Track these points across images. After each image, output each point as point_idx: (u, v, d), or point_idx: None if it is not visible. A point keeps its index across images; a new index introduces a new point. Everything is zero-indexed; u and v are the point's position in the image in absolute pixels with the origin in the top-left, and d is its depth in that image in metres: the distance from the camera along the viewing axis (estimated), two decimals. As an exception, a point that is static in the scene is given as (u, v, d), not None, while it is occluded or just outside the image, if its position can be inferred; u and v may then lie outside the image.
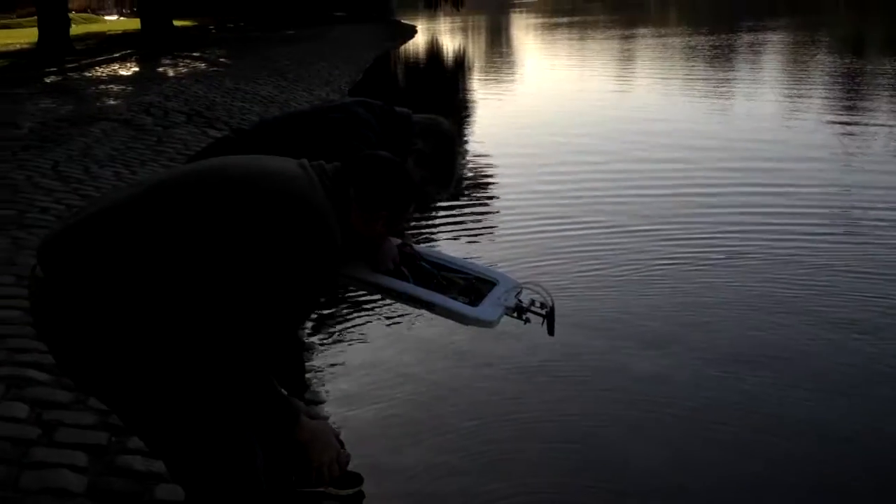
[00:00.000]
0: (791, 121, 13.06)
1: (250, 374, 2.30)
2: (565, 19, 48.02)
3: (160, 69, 18.48)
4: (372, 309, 5.82)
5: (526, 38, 39.63)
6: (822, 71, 18.06)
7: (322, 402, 4.55)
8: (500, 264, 5.82)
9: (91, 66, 18.93)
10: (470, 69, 26.25)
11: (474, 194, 9.36)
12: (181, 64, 19.53)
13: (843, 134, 11.80)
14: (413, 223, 7.45)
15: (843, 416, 4.32)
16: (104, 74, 17.42)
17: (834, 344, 5.15)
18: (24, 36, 29.79)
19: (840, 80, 16.51)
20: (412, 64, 29.58)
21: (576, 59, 26.53)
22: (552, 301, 3.16)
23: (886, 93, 15.50)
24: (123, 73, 17.93)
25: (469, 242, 7.44)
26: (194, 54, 21.72)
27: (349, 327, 5.62)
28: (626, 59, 24.96)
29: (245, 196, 2.34)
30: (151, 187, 2.41)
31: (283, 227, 2.30)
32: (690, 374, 4.83)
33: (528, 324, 3.18)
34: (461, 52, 33.81)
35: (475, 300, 3.17)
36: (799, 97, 14.93)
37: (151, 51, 22.73)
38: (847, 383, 4.66)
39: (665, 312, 5.69)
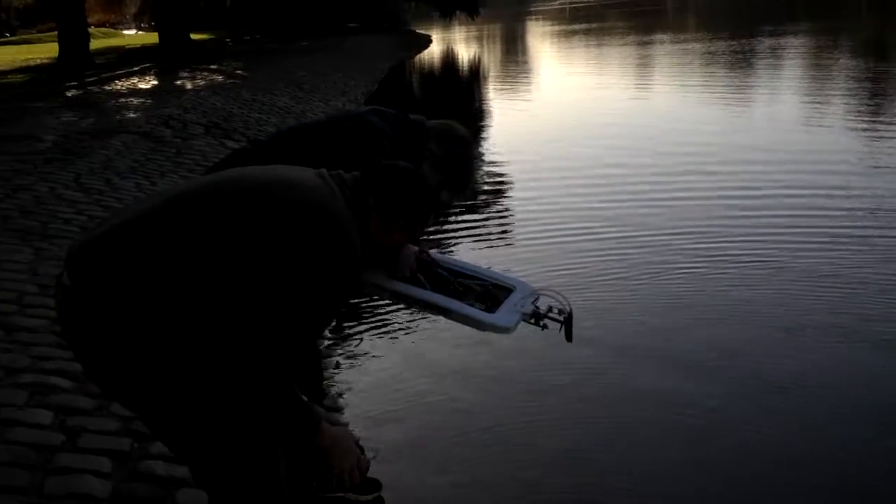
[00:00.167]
0: (814, 126, 12.95)
1: (272, 381, 2.33)
2: (582, 26, 47.85)
3: (178, 82, 18.56)
4: (389, 316, 5.85)
5: (542, 46, 39.50)
6: (845, 76, 17.87)
7: (340, 409, 4.58)
8: (517, 271, 5.84)
9: (111, 80, 19.03)
10: (486, 78, 26.19)
11: (491, 201, 9.38)
12: (199, 76, 19.60)
13: (868, 139, 11.65)
14: (431, 230, 7.48)
15: (867, 423, 4.31)
16: (124, 88, 17.52)
17: (857, 349, 5.13)
18: (44, 51, 29.94)
19: (863, 85, 16.34)
20: (427, 74, 29.54)
21: (593, 66, 26.42)
22: (570, 307, 3.16)
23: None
24: (142, 86, 18.01)
25: (487, 249, 7.46)
26: (211, 67, 21.80)
27: (366, 334, 5.65)
28: (645, 65, 24.81)
29: (266, 206, 2.36)
30: (174, 198, 2.45)
31: (304, 237, 2.32)
32: (711, 378, 4.84)
33: (545, 330, 3.19)
34: (477, 61, 33.74)
35: (492, 306, 3.17)
36: (822, 102, 14.75)
37: (169, 64, 22.79)
38: (874, 391, 4.66)
39: (685, 319, 5.70)
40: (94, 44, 27.85)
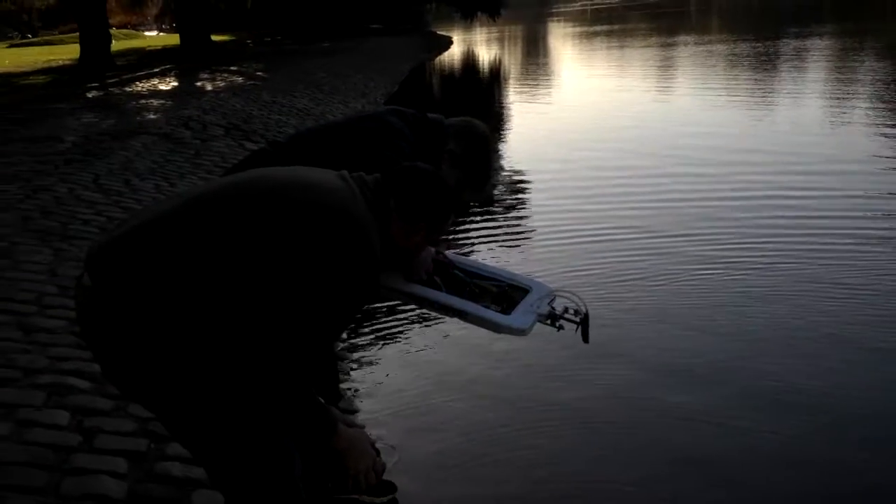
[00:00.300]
0: (837, 129, 12.85)
1: (290, 382, 2.33)
2: (604, 27, 47.76)
3: (198, 83, 18.63)
4: (404, 318, 5.86)
5: (564, 47, 39.43)
6: (870, 79, 17.74)
7: (355, 412, 4.59)
8: (534, 272, 5.83)
9: (131, 81, 19.13)
10: (507, 80, 26.17)
11: (511, 203, 9.37)
12: (219, 78, 19.67)
13: (891, 142, 11.64)
14: (450, 231, 7.47)
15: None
16: (144, 89, 17.60)
17: (876, 354, 5.10)
18: (66, 52, 30.11)
19: (889, 88, 16.20)
20: (448, 75, 29.52)
21: (614, 68, 26.34)
22: (586, 308, 3.15)
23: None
24: (163, 87, 18.09)
25: (505, 251, 7.46)
26: (232, 68, 21.87)
27: (382, 336, 5.66)
28: (667, 68, 24.71)
29: (285, 208, 2.36)
30: (194, 199, 2.45)
31: (324, 240, 2.33)
32: (726, 383, 4.82)
33: (561, 331, 3.18)
34: (497, 63, 33.70)
35: (508, 308, 3.17)
36: (846, 107, 14.63)
37: (190, 65, 22.89)
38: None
39: (702, 321, 5.68)
40: (116, 45, 27.99)
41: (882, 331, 5.35)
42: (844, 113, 13.96)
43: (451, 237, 7.36)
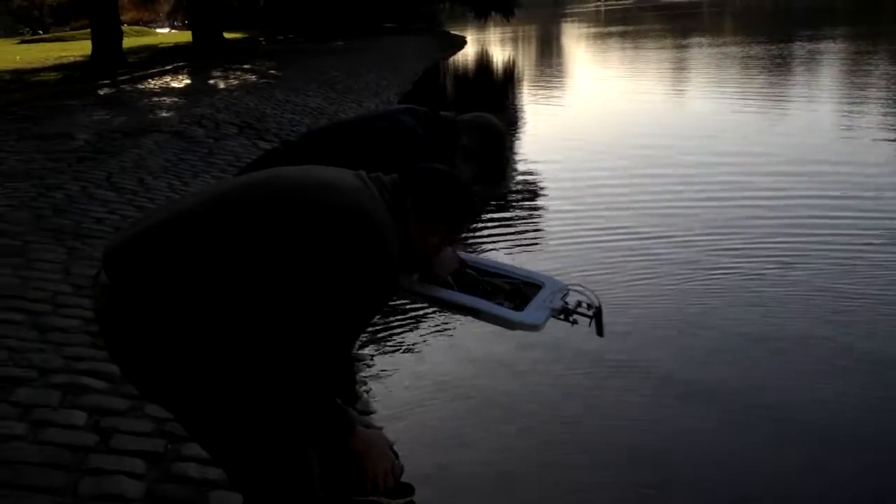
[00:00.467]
0: (852, 131, 12.80)
1: (308, 384, 2.32)
2: (618, 29, 47.74)
3: (211, 81, 18.67)
4: (420, 318, 5.85)
5: (578, 48, 39.42)
6: (885, 81, 17.69)
7: (372, 413, 4.58)
8: (551, 272, 5.81)
9: (144, 79, 19.17)
10: (521, 80, 26.16)
11: (524, 203, 9.36)
12: (232, 76, 19.72)
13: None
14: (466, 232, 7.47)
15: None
16: (156, 87, 17.64)
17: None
18: (78, 49, 30.20)
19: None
20: (462, 75, 29.51)
21: (629, 69, 26.32)
22: (599, 302, 3.15)
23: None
24: (175, 85, 18.13)
25: (520, 251, 7.45)
26: (245, 66, 21.92)
27: (398, 336, 5.65)
28: (681, 69, 24.68)
29: (302, 209, 2.35)
30: (210, 198, 2.44)
31: (340, 242, 2.31)
32: (743, 380, 4.83)
33: (575, 325, 3.17)
34: (511, 63, 33.68)
35: (521, 304, 3.17)
36: (860, 108, 14.61)
37: (202, 63, 22.95)
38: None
39: (719, 321, 5.67)
40: (127, 42, 28.04)
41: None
42: (861, 117, 13.90)
43: (467, 239, 7.35)
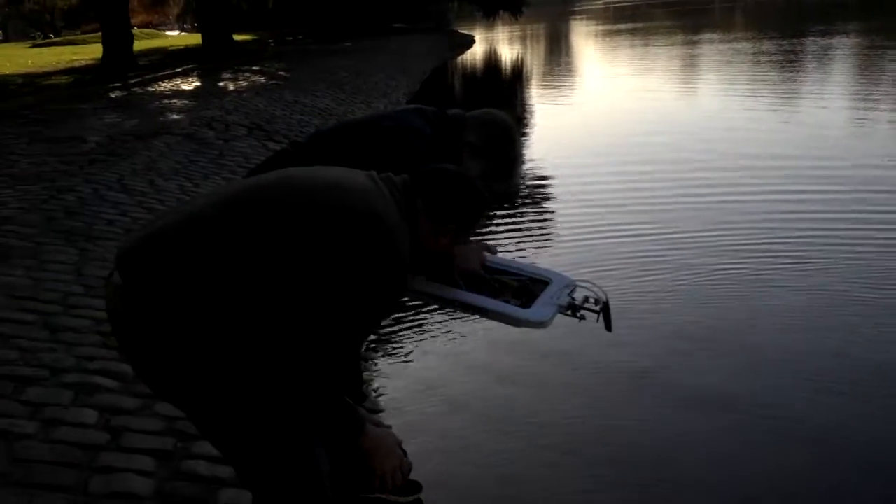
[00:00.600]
0: (862, 128, 12.73)
1: (318, 383, 2.33)
2: (628, 25, 47.59)
3: (221, 83, 18.70)
4: (428, 316, 5.86)
5: (587, 46, 39.30)
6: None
7: (380, 412, 4.59)
8: (560, 270, 5.82)
9: (154, 81, 19.23)
10: (530, 79, 26.10)
11: (535, 200, 9.36)
12: (241, 78, 19.75)
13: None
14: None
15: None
16: (167, 89, 17.69)
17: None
18: (88, 52, 30.30)
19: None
20: (470, 74, 29.45)
21: (639, 66, 26.21)
22: (606, 296, 3.14)
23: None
24: (185, 87, 18.17)
25: (529, 247, 7.45)
26: (254, 68, 21.96)
27: (406, 335, 5.66)
28: (691, 66, 24.57)
29: (312, 211, 2.36)
30: (222, 200, 2.45)
31: (350, 243, 2.32)
32: (751, 377, 4.82)
33: (583, 321, 3.17)
34: (520, 61, 33.61)
35: (528, 301, 3.17)
36: (872, 104, 14.55)
37: (212, 65, 22.98)
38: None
39: (727, 318, 5.67)
40: (138, 45, 28.11)
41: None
42: (871, 111, 13.84)
43: (475, 238, 7.35)
